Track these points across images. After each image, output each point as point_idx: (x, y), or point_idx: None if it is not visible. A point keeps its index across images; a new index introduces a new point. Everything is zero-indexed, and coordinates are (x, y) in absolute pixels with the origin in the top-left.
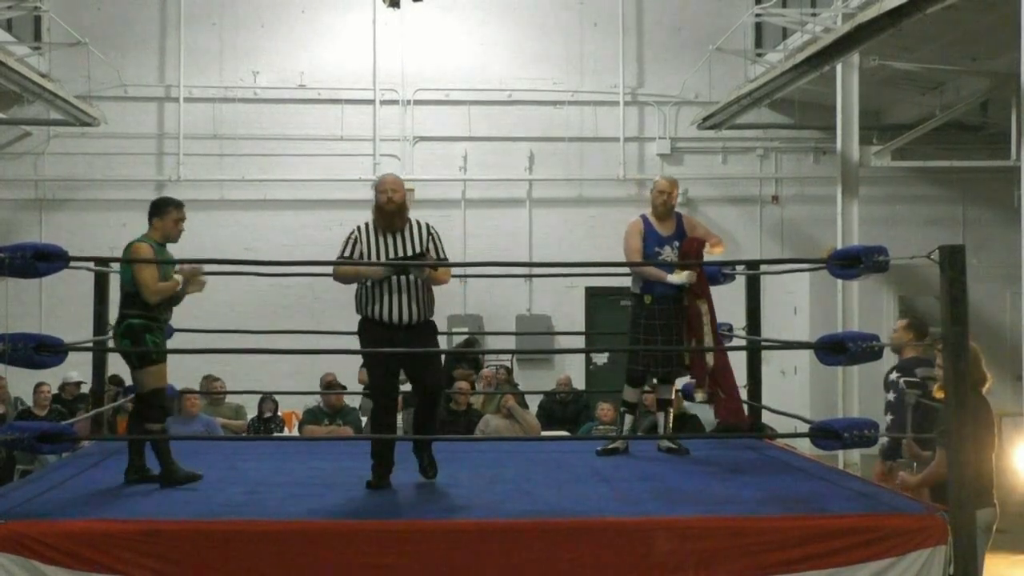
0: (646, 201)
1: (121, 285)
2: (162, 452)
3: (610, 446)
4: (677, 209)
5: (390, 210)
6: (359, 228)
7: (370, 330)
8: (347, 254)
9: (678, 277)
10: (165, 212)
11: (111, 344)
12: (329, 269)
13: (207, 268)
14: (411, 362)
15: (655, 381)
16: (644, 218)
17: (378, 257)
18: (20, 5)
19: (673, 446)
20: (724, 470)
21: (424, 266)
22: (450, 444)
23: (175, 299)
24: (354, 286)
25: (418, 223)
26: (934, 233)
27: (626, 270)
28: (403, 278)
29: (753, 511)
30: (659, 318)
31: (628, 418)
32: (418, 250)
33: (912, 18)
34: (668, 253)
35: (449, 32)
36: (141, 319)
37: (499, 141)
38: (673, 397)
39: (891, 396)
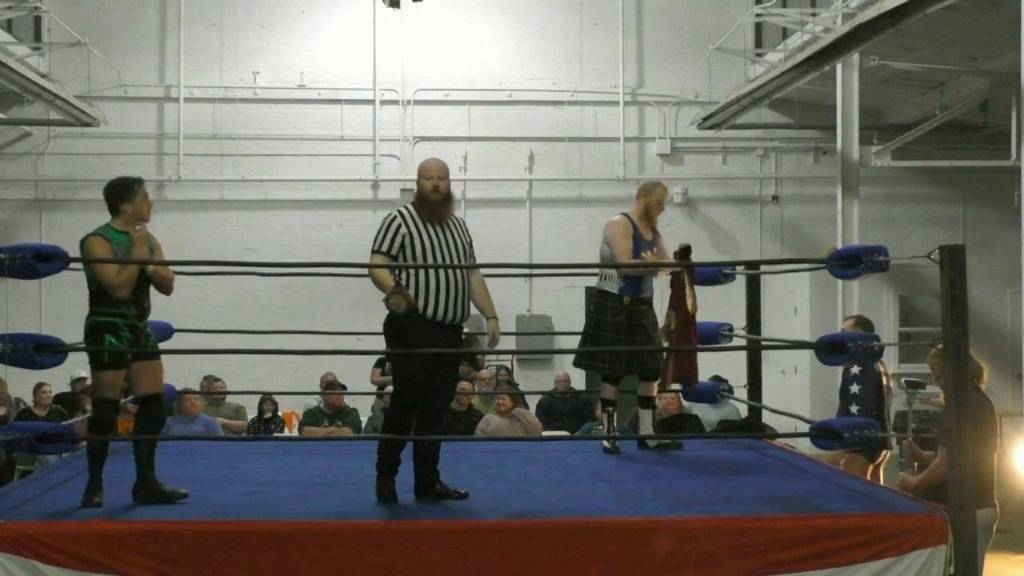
0: None
1: (87, 284)
2: (93, 464)
3: (609, 446)
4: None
5: (436, 200)
6: (402, 214)
7: (420, 329)
8: (387, 247)
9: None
10: (135, 193)
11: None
12: (328, 269)
13: (205, 268)
14: (445, 365)
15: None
16: (629, 219)
17: (425, 254)
18: (20, 5)
19: (664, 442)
20: (724, 470)
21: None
22: (450, 444)
23: (144, 283)
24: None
25: (454, 216)
26: (934, 233)
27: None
28: (454, 273)
29: (753, 511)
30: (639, 318)
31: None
32: (466, 245)
33: (912, 18)
34: (650, 257)
35: (449, 32)
36: (105, 316)
37: (499, 141)
38: (655, 395)
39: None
